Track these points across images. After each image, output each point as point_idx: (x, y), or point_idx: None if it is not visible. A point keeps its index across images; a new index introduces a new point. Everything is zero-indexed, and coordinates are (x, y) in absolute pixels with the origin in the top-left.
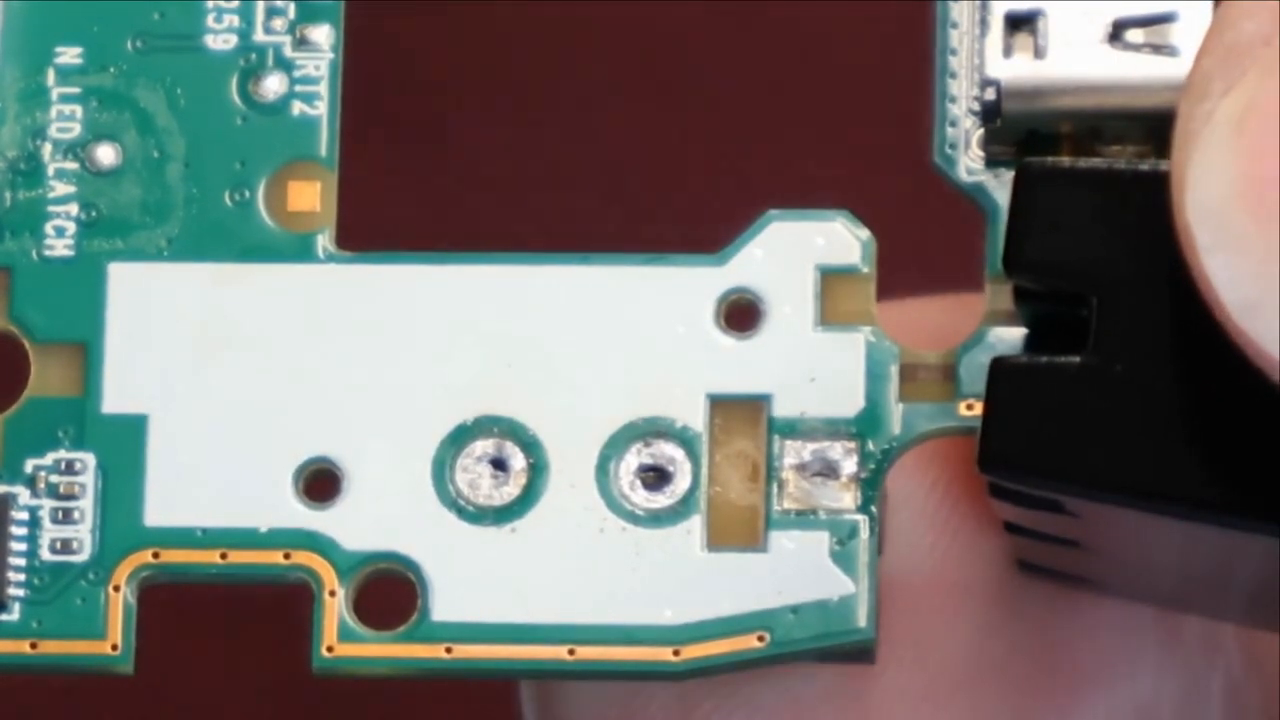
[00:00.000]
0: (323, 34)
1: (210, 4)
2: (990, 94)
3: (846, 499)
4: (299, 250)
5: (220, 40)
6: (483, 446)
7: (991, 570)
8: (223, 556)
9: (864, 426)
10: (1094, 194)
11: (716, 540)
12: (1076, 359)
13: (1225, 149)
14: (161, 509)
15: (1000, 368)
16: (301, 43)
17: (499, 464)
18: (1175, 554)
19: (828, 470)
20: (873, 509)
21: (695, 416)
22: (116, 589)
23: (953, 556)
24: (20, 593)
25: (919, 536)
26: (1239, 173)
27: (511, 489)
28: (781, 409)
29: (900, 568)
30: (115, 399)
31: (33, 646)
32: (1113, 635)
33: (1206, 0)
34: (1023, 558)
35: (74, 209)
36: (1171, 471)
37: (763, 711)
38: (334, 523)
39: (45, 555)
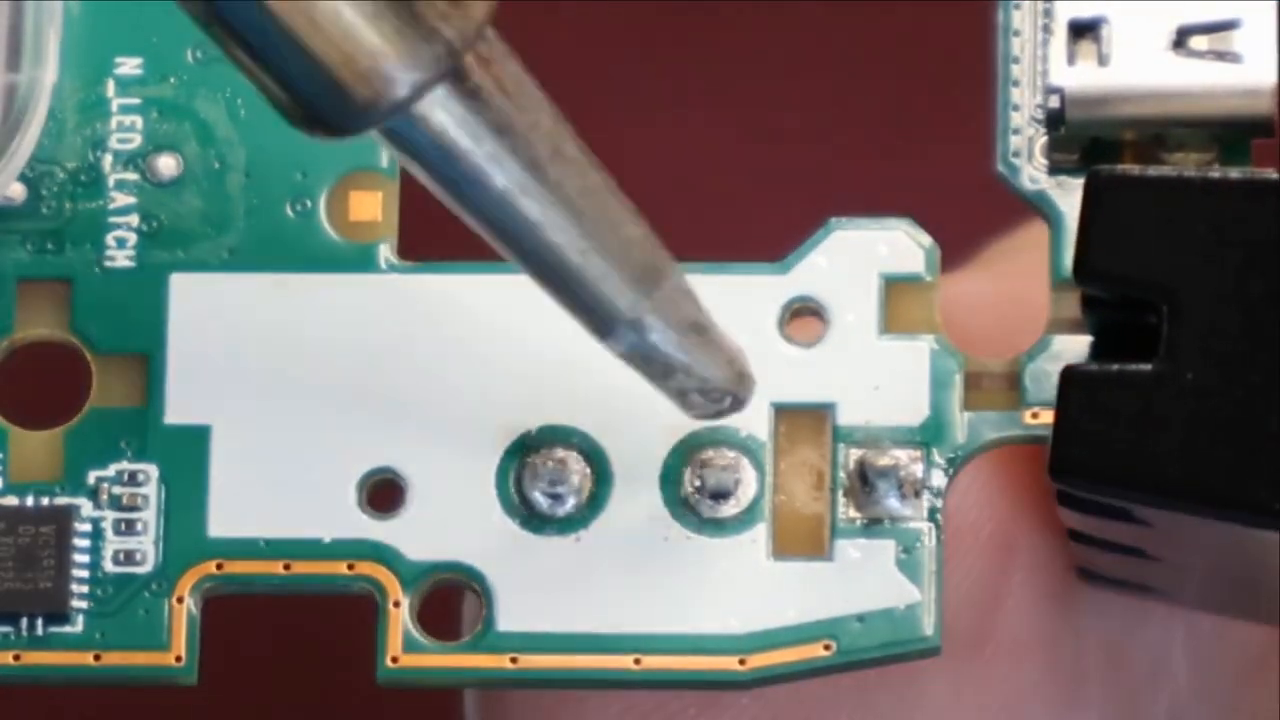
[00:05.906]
0: None
1: None
2: (1054, 102)
3: (912, 507)
4: (361, 260)
5: None
6: (546, 456)
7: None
8: (286, 567)
9: (929, 435)
10: (1164, 202)
11: (782, 549)
12: (1148, 367)
13: None
14: (224, 520)
15: (1071, 376)
16: None
17: (563, 474)
18: (1246, 564)
19: (893, 479)
20: (938, 517)
21: (759, 425)
22: (180, 600)
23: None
24: (84, 604)
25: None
26: None
27: (576, 498)
28: (846, 417)
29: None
30: (177, 410)
31: (96, 658)
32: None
33: (1271, 2)
34: (1085, 566)
35: (135, 220)
36: (1244, 479)
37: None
38: (398, 533)
39: (108, 567)
